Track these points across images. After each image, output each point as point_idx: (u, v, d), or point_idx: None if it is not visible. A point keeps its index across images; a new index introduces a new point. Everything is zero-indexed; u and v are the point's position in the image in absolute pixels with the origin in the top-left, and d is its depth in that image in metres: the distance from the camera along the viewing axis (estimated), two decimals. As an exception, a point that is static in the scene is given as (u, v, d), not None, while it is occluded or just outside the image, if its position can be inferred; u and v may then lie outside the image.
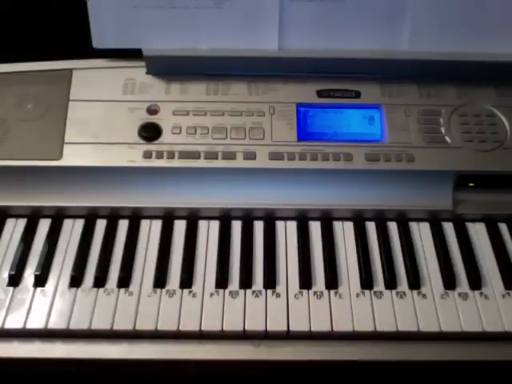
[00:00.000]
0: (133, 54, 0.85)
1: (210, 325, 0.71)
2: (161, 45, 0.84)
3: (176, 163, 0.80)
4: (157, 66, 0.85)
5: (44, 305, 0.73)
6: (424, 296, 0.74)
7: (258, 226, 0.81)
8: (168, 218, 0.82)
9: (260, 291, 0.74)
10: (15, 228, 0.81)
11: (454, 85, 0.87)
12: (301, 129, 0.83)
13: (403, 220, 0.82)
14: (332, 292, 0.74)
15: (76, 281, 0.75)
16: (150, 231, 0.81)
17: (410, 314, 0.72)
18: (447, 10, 0.82)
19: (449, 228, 0.82)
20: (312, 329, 0.71)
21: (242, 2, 0.82)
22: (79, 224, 0.81)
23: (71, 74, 0.86)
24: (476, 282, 0.75)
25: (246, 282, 0.75)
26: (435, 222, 0.82)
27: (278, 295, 0.74)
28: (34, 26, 0.92)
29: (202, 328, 0.71)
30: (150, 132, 0.82)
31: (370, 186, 0.82)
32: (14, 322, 0.71)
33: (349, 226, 0.82)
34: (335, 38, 0.84)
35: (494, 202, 0.83)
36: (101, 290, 0.74)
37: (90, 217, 0.82)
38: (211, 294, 0.74)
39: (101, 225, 0.81)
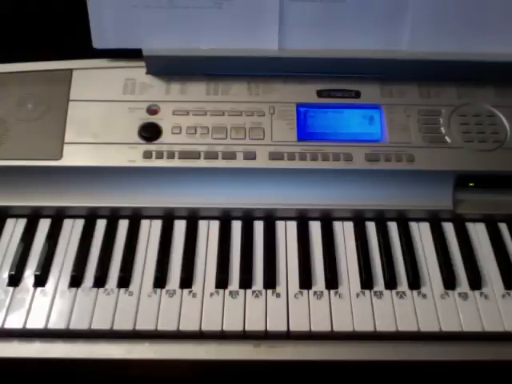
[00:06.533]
0: (133, 54, 0.85)
1: (210, 325, 0.71)
2: (161, 45, 0.84)
3: (176, 163, 0.80)
4: (157, 66, 0.85)
5: (44, 305, 0.73)
6: (424, 296, 0.74)
7: (258, 226, 0.81)
8: (168, 218, 0.82)
9: (260, 291, 0.74)
10: (15, 228, 0.81)
11: (454, 85, 0.87)
12: (301, 129, 0.83)
13: (403, 220, 0.82)
14: (332, 292, 0.74)
15: (76, 281, 0.75)
16: (150, 231, 0.81)
17: (410, 314, 0.72)
18: (447, 10, 0.82)
19: (449, 228, 0.82)
20: (312, 329, 0.71)
21: (242, 1, 0.82)
22: (79, 224, 0.81)
23: (71, 74, 0.86)
24: (476, 282, 0.76)
25: (246, 281, 0.75)
26: (435, 221, 0.82)
27: (278, 295, 0.74)
28: (34, 25, 0.92)
29: (202, 328, 0.71)
30: (150, 132, 0.82)
31: (369, 186, 0.82)
32: (14, 322, 0.71)
33: (349, 226, 0.82)
34: (335, 37, 0.84)
35: (493, 202, 0.83)
36: (101, 289, 0.74)
37: (89, 217, 0.82)
38: (211, 294, 0.74)
39: (101, 225, 0.82)
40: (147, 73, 0.86)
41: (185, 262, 0.77)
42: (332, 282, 0.75)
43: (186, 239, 0.80)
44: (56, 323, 0.71)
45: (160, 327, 0.71)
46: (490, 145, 0.83)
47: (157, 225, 0.81)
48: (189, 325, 0.71)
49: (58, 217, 0.82)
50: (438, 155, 0.82)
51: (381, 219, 0.82)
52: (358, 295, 0.74)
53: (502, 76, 0.86)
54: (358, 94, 0.86)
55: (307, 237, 0.80)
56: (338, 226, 0.82)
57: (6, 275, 0.76)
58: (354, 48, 0.84)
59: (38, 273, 0.75)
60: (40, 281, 0.75)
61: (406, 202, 0.82)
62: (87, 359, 0.69)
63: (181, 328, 0.71)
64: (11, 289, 0.74)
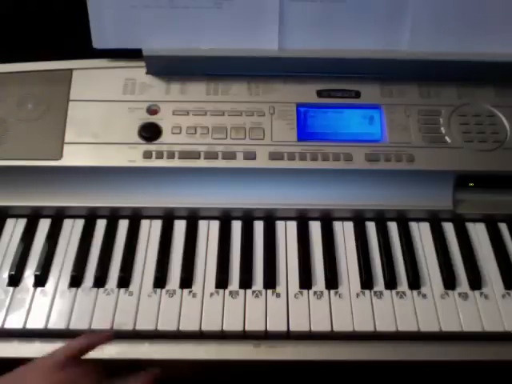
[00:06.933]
0: (133, 54, 0.84)
1: (210, 325, 0.71)
2: (161, 45, 0.84)
3: (176, 163, 0.80)
4: (157, 66, 0.85)
5: (44, 305, 0.73)
6: (424, 296, 0.74)
7: (258, 226, 0.81)
8: (168, 218, 0.82)
9: (260, 291, 0.74)
10: (15, 228, 0.81)
11: (454, 85, 0.87)
12: (301, 129, 0.83)
13: (403, 220, 0.82)
14: (332, 292, 0.74)
15: (76, 281, 0.75)
16: (150, 231, 0.81)
17: (410, 314, 0.72)
18: (447, 10, 0.82)
19: (449, 228, 0.82)
20: (312, 329, 0.71)
21: (242, 1, 0.82)
22: (79, 224, 0.81)
23: (71, 74, 0.86)
24: (476, 282, 0.76)
25: (246, 281, 0.75)
26: (435, 221, 0.82)
27: (278, 295, 0.74)
28: (34, 25, 0.92)
29: (202, 328, 0.71)
30: (150, 132, 0.82)
31: (369, 186, 0.81)
32: (14, 322, 0.71)
33: (349, 226, 0.82)
34: (335, 37, 0.84)
35: (493, 202, 0.83)
36: (101, 289, 0.74)
37: (89, 217, 0.82)
38: (211, 294, 0.74)
39: (101, 225, 0.82)
40: (147, 73, 0.86)
41: (185, 262, 0.77)
42: (332, 282, 0.75)
43: (186, 239, 0.80)
44: (56, 323, 0.71)
45: (160, 327, 0.71)
46: (490, 145, 0.83)
47: (157, 225, 0.81)
48: (189, 325, 0.71)
49: (58, 217, 0.82)
50: (438, 155, 0.82)
51: (381, 219, 0.82)
52: (357, 295, 0.74)
53: (502, 76, 0.86)
54: (358, 94, 0.86)
55: (307, 237, 0.80)
56: (337, 226, 0.82)
57: (6, 275, 0.76)
58: (353, 48, 0.84)
59: (38, 273, 0.75)
60: (40, 281, 0.75)
61: (406, 202, 0.82)
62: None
63: (181, 328, 0.71)
64: (11, 289, 0.74)
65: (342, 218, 0.82)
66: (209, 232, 0.81)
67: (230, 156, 0.81)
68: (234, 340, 0.71)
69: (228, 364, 0.70)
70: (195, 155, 0.81)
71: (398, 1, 0.82)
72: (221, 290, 0.74)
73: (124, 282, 0.75)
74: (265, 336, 0.71)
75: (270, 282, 0.75)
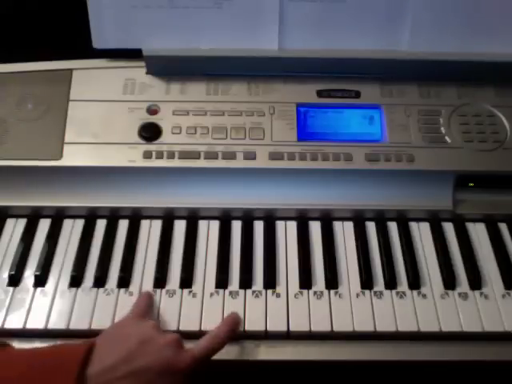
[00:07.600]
0: (133, 54, 0.85)
1: (210, 325, 0.71)
2: (161, 45, 0.84)
3: (176, 163, 0.80)
4: (157, 66, 0.85)
5: (44, 305, 0.73)
6: (424, 296, 0.74)
7: (258, 226, 0.81)
8: (168, 218, 0.82)
9: (260, 291, 0.74)
10: (15, 228, 0.81)
11: (454, 85, 0.87)
12: (301, 129, 0.83)
13: (403, 220, 0.82)
14: (332, 292, 0.74)
15: (76, 281, 0.75)
16: (150, 231, 0.81)
17: (410, 314, 0.72)
18: (447, 11, 0.82)
19: (449, 228, 0.82)
20: (312, 329, 0.71)
21: (242, 1, 0.82)
22: (79, 224, 0.81)
23: (71, 74, 0.86)
24: (476, 282, 0.76)
25: (246, 281, 0.75)
26: (435, 221, 0.82)
27: (278, 295, 0.74)
28: (34, 25, 0.92)
29: (202, 328, 0.70)
30: (150, 132, 0.82)
31: (370, 186, 0.82)
32: (14, 322, 0.71)
33: (349, 226, 0.82)
34: (335, 37, 0.84)
35: (493, 202, 0.83)
36: (101, 289, 0.74)
37: (89, 217, 0.82)
38: (211, 294, 0.74)
39: (101, 225, 0.81)
40: (147, 73, 0.86)
41: (185, 262, 0.77)
42: (332, 282, 0.75)
43: (186, 239, 0.80)
44: (56, 323, 0.71)
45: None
46: (490, 145, 0.83)
47: (157, 225, 0.81)
48: (189, 325, 0.71)
49: (58, 217, 0.82)
50: (438, 155, 0.82)
51: (381, 219, 0.82)
52: (357, 295, 0.74)
53: (502, 76, 0.86)
54: (358, 94, 0.86)
55: (307, 237, 0.80)
56: (338, 226, 0.82)
57: (6, 275, 0.75)
58: (354, 48, 0.84)
59: (38, 273, 0.75)
60: (40, 281, 0.75)
61: (406, 202, 0.82)
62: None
63: (181, 328, 0.71)
64: (11, 289, 0.74)
65: (342, 217, 0.82)
66: (209, 232, 0.81)
67: (230, 156, 0.81)
68: (233, 340, 0.71)
69: (228, 364, 0.70)
70: (195, 155, 0.81)
71: (398, 1, 0.82)
72: (221, 290, 0.74)
73: (124, 282, 0.75)
74: (265, 336, 0.71)
75: (270, 282, 0.75)
